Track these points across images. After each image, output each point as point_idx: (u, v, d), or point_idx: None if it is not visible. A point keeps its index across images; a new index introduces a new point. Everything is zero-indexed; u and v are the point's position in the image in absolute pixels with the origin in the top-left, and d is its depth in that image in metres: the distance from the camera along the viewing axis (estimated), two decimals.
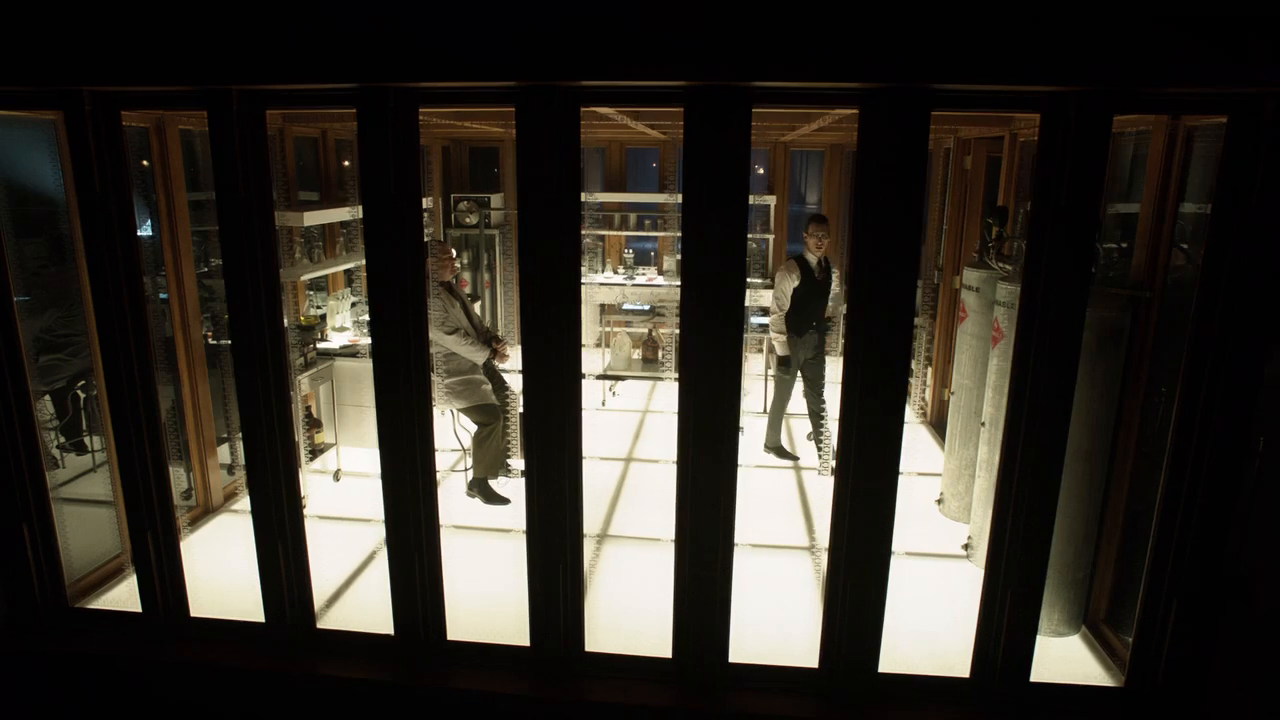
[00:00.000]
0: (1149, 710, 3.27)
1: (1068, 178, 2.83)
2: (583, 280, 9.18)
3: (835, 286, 5.60)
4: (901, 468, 3.16)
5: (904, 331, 3.04)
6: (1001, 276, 4.26)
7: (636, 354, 7.79)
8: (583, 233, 9.70)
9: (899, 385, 3.07)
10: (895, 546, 4.05)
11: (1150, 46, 2.64)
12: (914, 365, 7.45)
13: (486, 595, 4.03)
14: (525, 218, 3.09)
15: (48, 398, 5.58)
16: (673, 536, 3.33)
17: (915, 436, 6.69)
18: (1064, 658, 3.69)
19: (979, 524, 4.41)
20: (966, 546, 4.53)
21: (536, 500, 3.37)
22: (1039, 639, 3.75)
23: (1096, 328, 3.52)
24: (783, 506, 5.24)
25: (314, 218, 5.36)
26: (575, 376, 3.24)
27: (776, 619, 3.91)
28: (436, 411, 5.83)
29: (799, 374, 5.93)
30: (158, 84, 3.07)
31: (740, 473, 3.24)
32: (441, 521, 3.50)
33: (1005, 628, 3.26)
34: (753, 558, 4.46)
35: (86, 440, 5.74)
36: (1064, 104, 2.78)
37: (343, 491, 5.44)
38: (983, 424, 4.34)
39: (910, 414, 7.27)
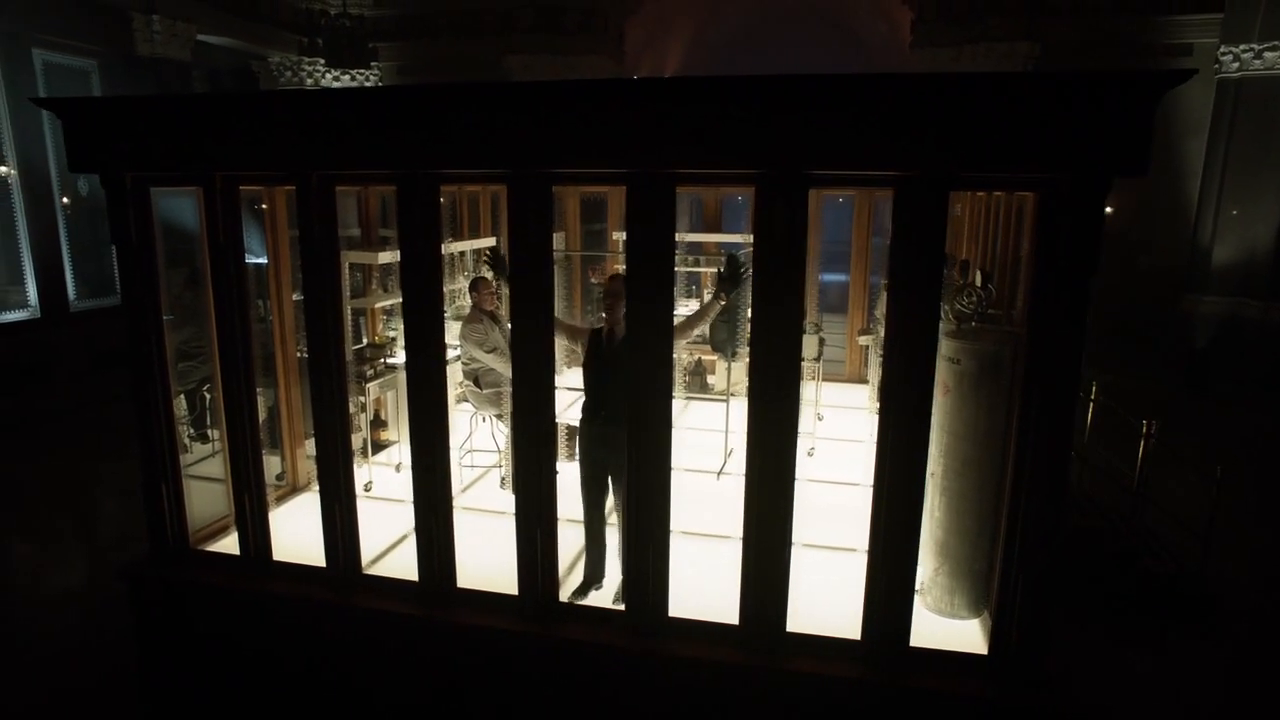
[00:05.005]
0: (1002, 671, 3.95)
1: (914, 240, 3.66)
2: None
3: None
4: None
5: (793, 361, 3.91)
6: (948, 330, 4.59)
7: None
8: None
9: (792, 411, 3.95)
10: (845, 544, 4.79)
11: (972, 141, 3.46)
12: None
13: (499, 563, 5.04)
14: (514, 263, 4.16)
15: (182, 396, 7.07)
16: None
17: None
18: (959, 637, 4.37)
19: (930, 568, 4.62)
20: (919, 590, 4.57)
21: (522, 485, 4.41)
22: (945, 621, 4.50)
23: (979, 358, 4.27)
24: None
25: (386, 257, 6.64)
26: (549, 389, 4.27)
27: (710, 588, 4.72)
28: (479, 418, 6.99)
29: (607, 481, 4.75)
30: (263, 170, 4.36)
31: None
32: (477, 507, 4.55)
33: (884, 601, 4.03)
34: (698, 544, 5.30)
35: (209, 432, 7.20)
36: (909, 183, 3.62)
37: (402, 480, 6.62)
38: (931, 474, 4.52)
39: None
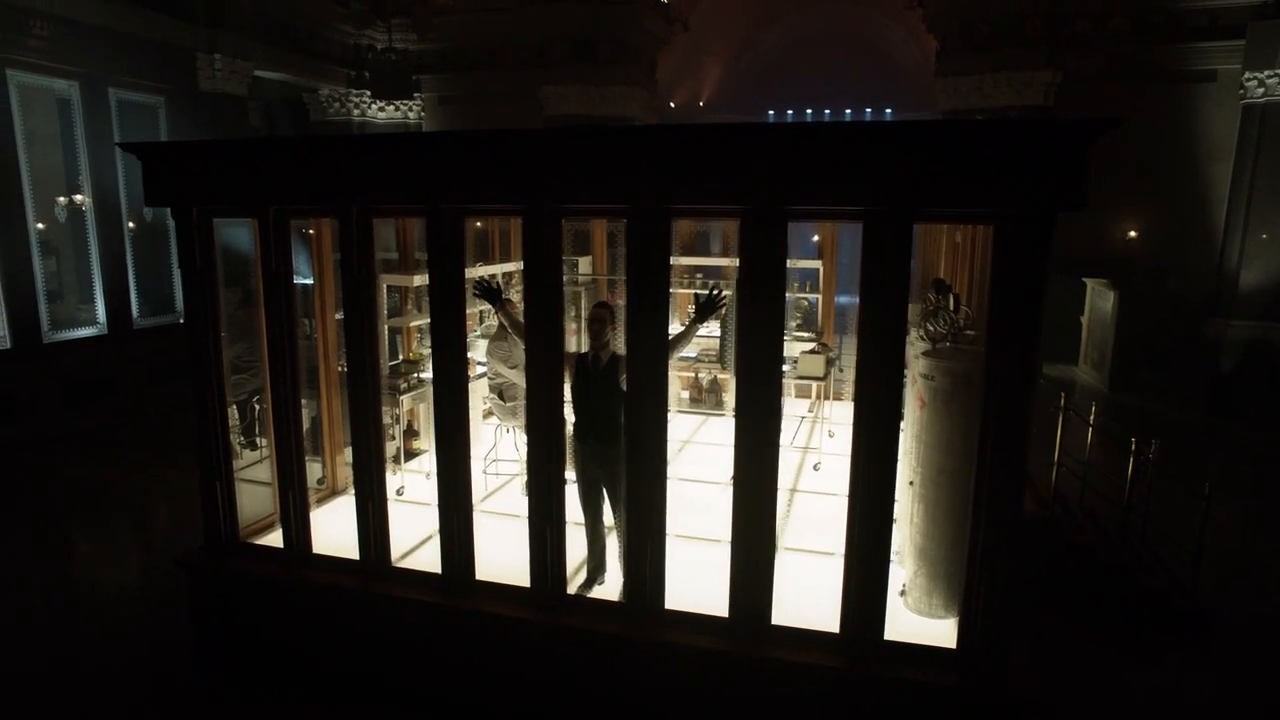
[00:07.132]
0: (968, 664, 4.28)
1: (882, 266, 4.07)
2: None
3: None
4: None
5: (775, 378, 4.33)
6: (924, 350, 4.93)
7: (684, 393, 9.20)
8: None
9: (774, 431, 4.36)
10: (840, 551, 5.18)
11: (929, 180, 3.87)
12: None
13: (517, 561, 5.48)
14: (528, 285, 4.66)
15: (234, 406, 7.70)
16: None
17: None
18: (936, 634, 4.69)
19: (910, 570, 4.95)
20: (902, 592, 4.97)
21: (534, 488, 4.88)
22: (924, 620, 4.83)
23: (951, 375, 4.63)
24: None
25: (420, 280, 7.22)
26: (559, 402, 4.74)
27: (720, 590, 5.12)
28: (503, 429, 7.49)
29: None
30: (310, 204, 4.96)
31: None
32: (499, 511, 5.01)
33: (860, 598, 4.39)
34: (704, 549, 5.68)
35: (258, 439, 7.83)
36: (876, 215, 4.03)
37: (432, 486, 7.13)
38: (910, 483, 5.00)
39: None
